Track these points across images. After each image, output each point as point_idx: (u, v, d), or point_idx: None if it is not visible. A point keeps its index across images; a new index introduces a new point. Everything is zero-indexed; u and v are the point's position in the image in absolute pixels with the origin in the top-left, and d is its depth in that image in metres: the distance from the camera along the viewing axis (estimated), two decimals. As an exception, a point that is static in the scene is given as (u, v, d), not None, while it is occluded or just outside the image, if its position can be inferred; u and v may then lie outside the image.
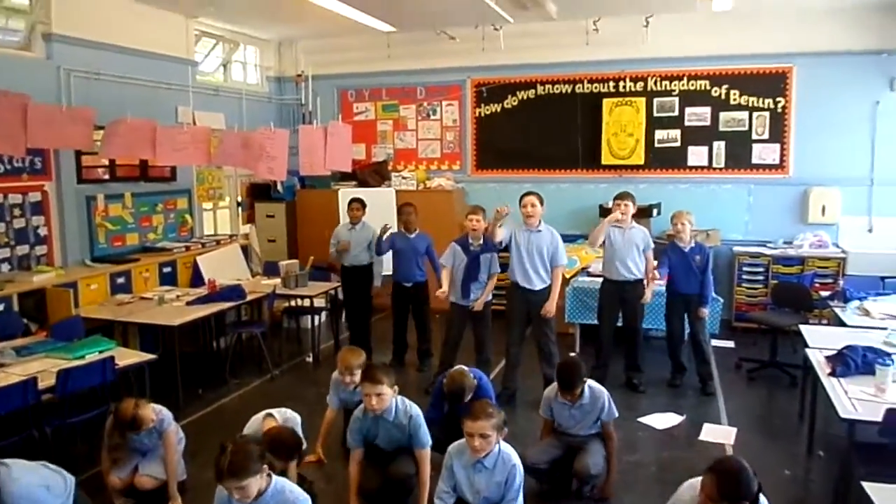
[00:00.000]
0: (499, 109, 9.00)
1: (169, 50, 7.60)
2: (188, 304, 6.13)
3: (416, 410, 3.90)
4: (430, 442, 3.87)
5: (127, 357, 4.87)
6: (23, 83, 5.69)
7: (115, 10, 6.89)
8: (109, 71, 6.79)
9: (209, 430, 5.15)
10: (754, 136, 8.06)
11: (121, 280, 6.51)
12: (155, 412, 3.97)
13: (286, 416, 4.08)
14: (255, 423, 4.01)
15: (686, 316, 6.05)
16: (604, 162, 8.53)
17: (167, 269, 7.05)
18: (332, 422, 4.51)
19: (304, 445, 4.05)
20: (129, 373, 4.82)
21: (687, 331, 6.10)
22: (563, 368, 4.18)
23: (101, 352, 4.74)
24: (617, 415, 4.21)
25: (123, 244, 7.09)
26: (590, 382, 4.17)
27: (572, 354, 6.38)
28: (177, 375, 5.62)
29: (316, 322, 7.24)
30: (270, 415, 4.01)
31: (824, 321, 6.54)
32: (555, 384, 4.22)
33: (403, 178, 9.04)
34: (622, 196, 6.00)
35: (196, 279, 7.16)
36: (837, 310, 5.71)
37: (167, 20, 7.58)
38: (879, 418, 3.40)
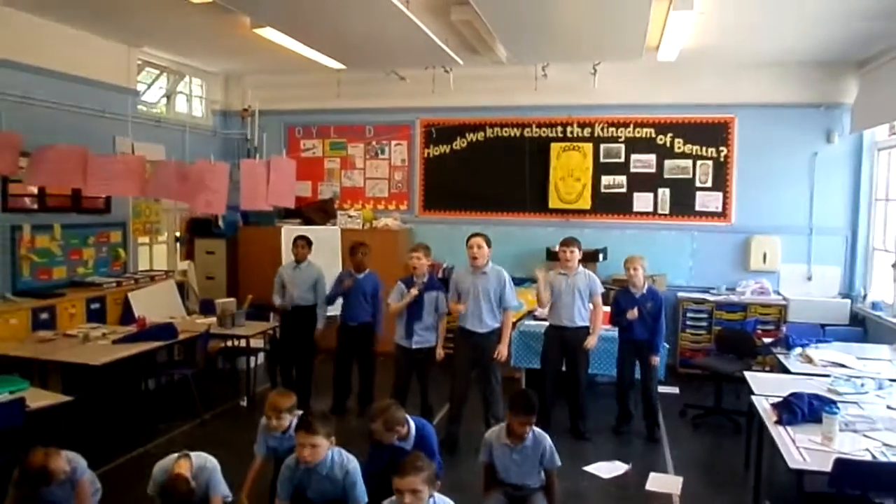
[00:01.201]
0: (448, 151, 8.96)
1: (109, 78, 7.37)
2: (115, 342, 5.79)
3: (353, 465, 3.63)
4: (365, 499, 3.60)
5: (41, 399, 4.52)
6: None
7: (51, 34, 6.61)
8: (43, 96, 6.51)
9: (131, 478, 4.77)
10: (698, 184, 8.20)
11: (44, 315, 6.14)
12: (68, 461, 3.62)
13: (202, 463, 3.69)
14: (167, 462, 3.66)
15: (637, 362, 5.99)
16: (551, 206, 8.54)
17: (95, 306, 6.68)
18: (259, 471, 4.12)
19: (230, 497, 3.77)
20: (45, 416, 4.45)
21: (637, 377, 6.03)
22: (521, 393, 3.98)
23: (11, 392, 4.39)
24: (560, 464, 3.98)
25: (50, 278, 6.70)
26: (533, 427, 3.99)
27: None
28: (98, 419, 5.26)
29: (252, 363, 6.94)
30: (186, 456, 3.66)
31: (767, 368, 6.56)
32: (497, 427, 4.04)
33: (350, 216, 8.88)
34: (567, 242, 5.95)
35: (127, 317, 6.81)
36: (781, 356, 5.71)
37: (108, 48, 7.36)
38: (828, 468, 3.33)
